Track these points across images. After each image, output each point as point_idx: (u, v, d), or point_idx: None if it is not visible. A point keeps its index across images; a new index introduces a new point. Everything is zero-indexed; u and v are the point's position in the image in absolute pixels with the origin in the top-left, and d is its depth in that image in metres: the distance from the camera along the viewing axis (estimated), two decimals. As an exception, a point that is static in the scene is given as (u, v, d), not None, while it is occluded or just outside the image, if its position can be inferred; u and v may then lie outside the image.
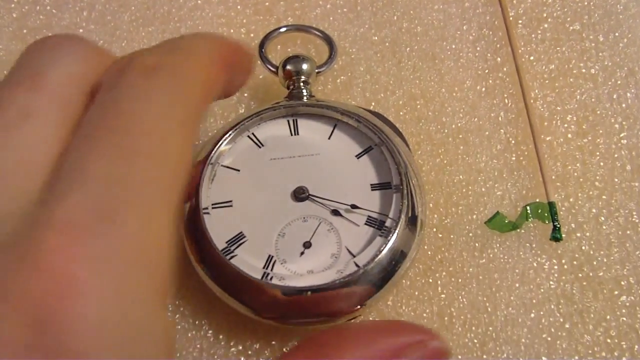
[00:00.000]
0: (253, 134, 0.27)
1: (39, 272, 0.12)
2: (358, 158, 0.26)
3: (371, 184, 0.26)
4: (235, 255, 0.24)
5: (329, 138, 0.27)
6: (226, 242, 0.25)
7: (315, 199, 0.25)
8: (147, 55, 0.16)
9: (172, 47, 0.17)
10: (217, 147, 0.26)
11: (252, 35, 0.33)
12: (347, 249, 0.25)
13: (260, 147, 0.27)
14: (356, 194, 0.26)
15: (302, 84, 0.28)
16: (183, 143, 0.16)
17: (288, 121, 0.27)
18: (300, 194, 0.25)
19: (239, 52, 0.19)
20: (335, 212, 0.25)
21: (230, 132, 0.26)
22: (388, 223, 0.25)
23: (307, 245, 0.25)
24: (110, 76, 0.16)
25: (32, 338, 0.12)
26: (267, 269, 0.24)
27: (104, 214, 0.13)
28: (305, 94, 0.28)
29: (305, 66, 0.28)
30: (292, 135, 0.27)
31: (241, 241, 0.25)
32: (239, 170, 0.26)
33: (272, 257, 0.25)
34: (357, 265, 0.24)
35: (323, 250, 0.25)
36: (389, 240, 0.24)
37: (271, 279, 0.24)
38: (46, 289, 0.12)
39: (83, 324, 0.12)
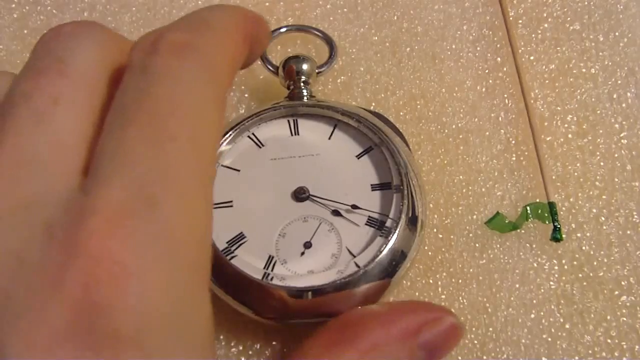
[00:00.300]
0: (253, 134, 0.27)
1: (87, 258, 0.12)
2: (358, 158, 0.26)
3: (371, 184, 0.26)
4: (236, 256, 0.24)
5: (329, 138, 0.27)
6: (226, 243, 0.25)
7: (316, 199, 0.25)
8: (175, 32, 0.16)
9: (198, 22, 0.17)
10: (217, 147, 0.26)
11: (252, 35, 0.33)
12: (348, 249, 0.25)
13: (260, 147, 0.27)
14: (356, 194, 0.26)
15: (302, 84, 0.28)
16: (217, 123, 0.16)
17: (288, 121, 0.27)
18: (300, 194, 0.25)
19: (259, 23, 0.19)
20: (336, 213, 0.25)
21: (230, 133, 0.26)
22: (388, 223, 0.25)
23: (308, 245, 0.25)
24: (138, 56, 0.16)
25: (82, 323, 0.12)
26: (267, 269, 0.24)
27: (148, 199, 0.13)
28: (305, 94, 0.28)
29: (305, 66, 0.28)
30: (292, 135, 0.27)
31: (241, 241, 0.25)
32: (239, 171, 0.26)
33: (273, 257, 0.25)
34: (357, 265, 0.24)
35: (323, 251, 0.25)
36: (389, 241, 0.24)
37: (271, 279, 0.24)
38: (95, 275, 0.12)
39: (131, 308, 0.12)
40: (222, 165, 0.26)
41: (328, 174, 0.26)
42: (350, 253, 0.24)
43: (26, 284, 0.12)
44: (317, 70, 0.29)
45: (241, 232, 0.25)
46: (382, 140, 0.26)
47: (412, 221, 0.25)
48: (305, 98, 0.28)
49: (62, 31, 0.17)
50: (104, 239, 0.13)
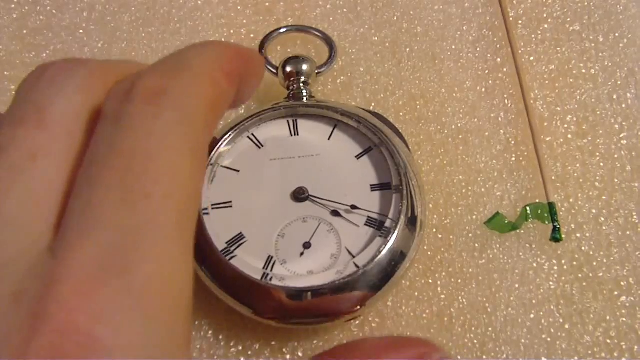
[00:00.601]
0: (253, 134, 0.27)
1: (53, 330, 0.12)
2: (358, 159, 0.26)
3: (371, 185, 0.26)
4: (235, 256, 0.24)
5: (328, 139, 0.27)
6: (226, 243, 0.25)
7: (315, 199, 0.25)
8: (150, 77, 0.15)
9: (175, 65, 0.16)
10: (217, 148, 0.26)
11: (252, 35, 0.33)
12: (347, 250, 0.25)
13: (260, 147, 0.27)
14: (356, 194, 0.26)
15: (302, 84, 0.28)
16: (195, 174, 0.15)
17: (288, 122, 0.27)
18: (300, 195, 0.25)
19: (248, 58, 0.18)
20: (335, 213, 0.25)
21: (230, 133, 0.26)
22: (388, 224, 0.25)
23: (307, 245, 0.25)
24: (112, 105, 0.15)
25: None
26: (267, 269, 0.24)
27: (118, 265, 0.13)
28: (305, 94, 0.28)
29: (305, 67, 0.28)
30: (292, 135, 0.27)
31: (241, 242, 0.25)
32: (238, 171, 0.26)
33: (272, 257, 0.25)
34: (356, 265, 0.24)
35: (323, 251, 0.25)
36: (388, 241, 0.24)
37: (271, 279, 0.24)
38: (61, 348, 0.12)
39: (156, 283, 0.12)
40: (221, 166, 0.26)
41: (327, 174, 0.26)
42: (350, 253, 0.24)
43: None
44: (317, 71, 0.29)
45: (240, 233, 0.25)
46: (382, 140, 0.26)
47: (412, 221, 0.25)
48: (305, 98, 0.28)
49: (44, 76, 0.16)
50: (71, 310, 0.12)
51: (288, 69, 0.28)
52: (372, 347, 0.19)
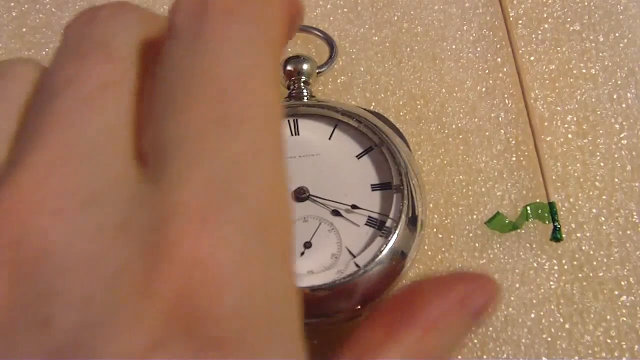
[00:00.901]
0: None
1: (178, 262, 0.11)
2: (358, 158, 0.26)
3: (371, 184, 0.26)
4: None
5: (329, 138, 0.27)
6: None
7: (316, 199, 0.25)
8: None
9: None
10: None
11: (252, 35, 0.33)
12: (348, 249, 0.25)
13: None
14: (356, 194, 0.26)
15: (302, 84, 0.28)
16: (277, 95, 0.14)
17: (288, 121, 0.27)
18: (300, 194, 0.25)
19: None
20: (336, 213, 0.25)
21: None
22: (388, 223, 0.25)
23: (308, 245, 0.25)
24: (185, 22, 0.14)
25: (180, 329, 0.11)
26: None
27: (231, 193, 0.12)
28: (305, 94, 0.28)
29: (305, 66, 0.28)
30: (292, 135, 0.27)
31: None
32: None
33: None
34: (357, 265, 0.24)
35: (323, 251, 0.25)
36: (389, 241, 0.24)
37: None
38: (189, 281, 0.11)
39: (231, 312, 0.11)
40: None
41: (328, 174, 0.26)
42: (350, 253, 0.24)
43: (109, 288, 0.11)
44: (317, 70, 0.29)
45: None
46: (382, 140, 0.26)
47: (412, 221, 0.25)
48: (305, 98, 0.28)
49: (98, 14, 0.15)
50: (194, 243, 0.11)
51: (288, 68, 0.28)
52: (437, 286, 0.19)
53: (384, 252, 0.24)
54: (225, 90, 0.13)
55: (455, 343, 0.19)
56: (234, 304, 0.12)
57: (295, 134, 0.27)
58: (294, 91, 0.28)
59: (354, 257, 0.24)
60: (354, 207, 0.25)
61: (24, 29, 0.32)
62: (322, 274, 0.24)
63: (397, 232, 0.24)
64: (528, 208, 0.27)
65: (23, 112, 0.14)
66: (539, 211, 0.27)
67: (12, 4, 0.33)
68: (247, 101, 0.13)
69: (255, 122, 0.13)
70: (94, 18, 0.15)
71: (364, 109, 0.28)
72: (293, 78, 0.28)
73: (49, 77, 0.14)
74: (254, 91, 0.13)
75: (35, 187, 0.12)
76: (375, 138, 0.26)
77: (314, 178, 0.26)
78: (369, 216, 0.25)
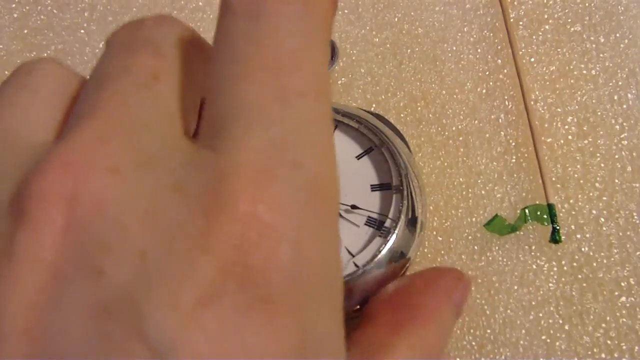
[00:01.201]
0: None
1: (235, 220, 0.12)
2: (358, 159, 0.27)
3: (371, 185, 0.26)
4: None
5: None
6: None
7: None
8: None
9: None
10: None
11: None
12: (347, 249, 0.25)
13: None
14: (356, 194, 0.26)
15: None
16: (327, 71, 0.15)
17: None
18: None
19: None
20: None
21: None
22: (387, 223, 0.25)
23: None
24: (242, 2, 0.14)
25: (232, 286, 0.11)
26: None
27: (287, 159, 0.13)
28: None
29: None
30: None
31: None
32: None
33: None
34: (356, 265, 0.24)
35: None
36: (388, 241, 0.24)
37: None
38: (245, 238, 0.12)
39: (285, 271, 0.12)
40: None
41: None
42: (349, 253, 0.24)
43: (164, 243, 0.12)
44: None
45: None
46: (383, 141, 0.26)
47: (412, 222, 0.25)
48: None
49: (145, 23, 0.16)
50: (251, 201, 0.12)
51: None
52: (426, 283, 0.21)
53: (382, 252, 0.24)
54: (281, 65, 0.14)
55: (449, 335, 0.20)
56: (288, 264, 0.12)
57: None
58: None
59: (353, 256, 0.24)
60: (354, 207, 0.25)
61: (25, 31, 0.33)
62: None
63: (396, 232, 0.24)
64: (526, 210, 0.28)
65: (60, 104, 0.15)
66: (538, 213, 0.27)
67: (14, 5, 0.33)
68: (302, 76, 0.14)
69: (310, 95, 0.14)
70: (141, 25, 0.16)
71: (365, 110, 0.28)
72: None
73: (100, 66, 0.15)
74: (308, 67, 0.14)
75: (92, 145, 0.13)
76: (375, 139, 0.27)
77: None
78: (369, 216, 0.25)
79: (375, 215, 0.25)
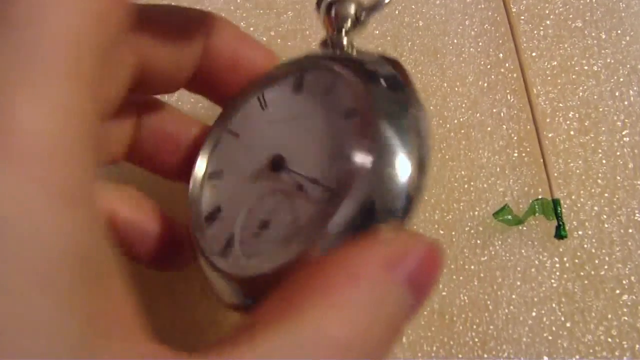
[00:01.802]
0: (263, 94, 0.22)
1: None
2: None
3: None
4: (205, 234, 0.21)
5: (327, 95, 0.21)
6: (205, 219, 0.21)
7: (291, 171, 0.21)
8: None
9: None
10: (227, 109, 0.23)
11: (252, 29, 0.32)
12: (309, 227, 0.19)
13: (263, 109, 0.22)
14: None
15: (342, 32, 0.23)
16: None
17: (295, 77, 0.22)
18: (277, 165, 0.21)
19: None
20: (300, 188, 0.20)
21: (242, 94, 0.23)
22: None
23: (265, 224, 0.20)
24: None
25: None
26: (227, 250, 0.20)
27: None
28: (344, 44, 0.23)
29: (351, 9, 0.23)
30: (295, 94, 0.22)
31: (216, 217, 0.21)
32: (238, 136, 0.22)
33: (234, 236, 0.20)
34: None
35: (282, 230, 0.20)
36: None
37: (230, 262, 0.20)
38: None
39: (22, 131, 0.11)
40: (227, 130, 0.23)
41: (312, 139, 0.21)
42: (315, 231, 0.19)
43: None
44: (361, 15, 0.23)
45: (219, 207, 0.21)
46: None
47: None
48: (339, 50, 0.23)
49: None
50: None
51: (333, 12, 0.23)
52: (344, 258, 0.15)
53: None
54: None
55: (391, 324, 0.15)
56: (25, 127, 0.12)
57: (299, 92, 0.22)
58: (330, 39, 0.23)
59: (319, 232, 0.19)
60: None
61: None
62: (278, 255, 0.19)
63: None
64: (536, 204, 0.27)
65: None
66: (545, 207, 0.27)
67: None
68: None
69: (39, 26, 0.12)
70: None
71: (381, 57, 0.22)
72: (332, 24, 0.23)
73: None
74: None
75: None
76: None
77: (296, 144, 0.21)
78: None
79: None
